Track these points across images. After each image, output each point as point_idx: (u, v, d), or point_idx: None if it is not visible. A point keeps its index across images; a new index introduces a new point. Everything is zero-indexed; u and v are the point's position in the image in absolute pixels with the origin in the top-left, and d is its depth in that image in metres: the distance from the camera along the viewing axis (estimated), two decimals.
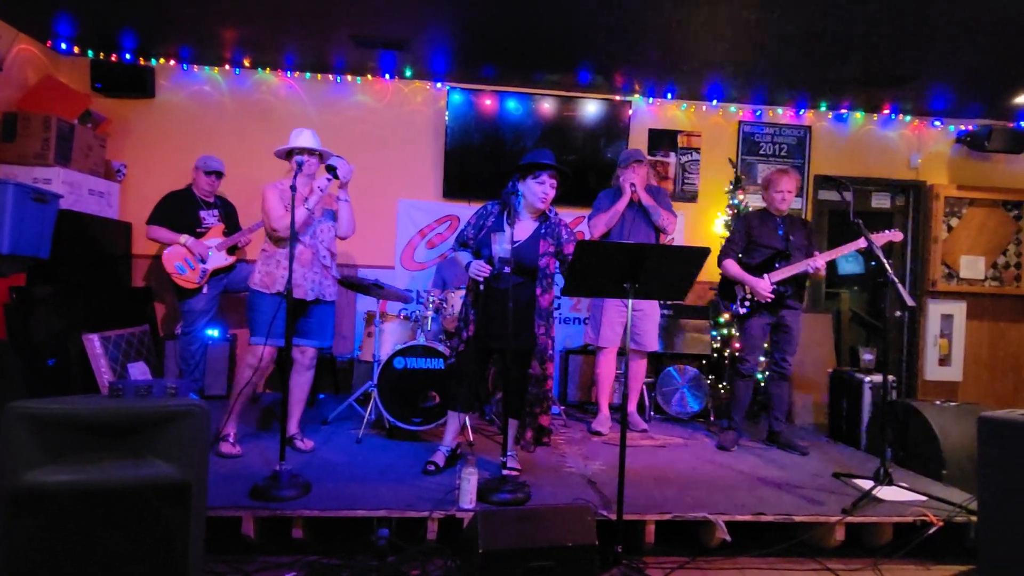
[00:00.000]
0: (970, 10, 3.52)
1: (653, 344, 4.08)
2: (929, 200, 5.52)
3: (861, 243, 3.42)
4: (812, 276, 3.69)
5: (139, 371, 4.13)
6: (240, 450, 3.19)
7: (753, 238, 3.77)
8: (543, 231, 2.95)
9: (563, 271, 2.93)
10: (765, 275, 3.66)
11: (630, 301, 2.56)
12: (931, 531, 2.60)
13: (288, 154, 3.22)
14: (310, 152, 3.18)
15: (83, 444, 1.75)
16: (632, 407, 4.15)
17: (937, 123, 5.52)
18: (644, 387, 4.43)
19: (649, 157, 5.26)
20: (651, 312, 4.06)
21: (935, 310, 5.50)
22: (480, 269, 2.88)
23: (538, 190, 2.87)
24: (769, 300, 3.63)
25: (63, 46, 4.65)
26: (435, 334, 3.89)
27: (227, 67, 4.98)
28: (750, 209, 4.93)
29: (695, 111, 5.39)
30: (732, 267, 3.75)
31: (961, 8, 3.50)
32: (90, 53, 4.76)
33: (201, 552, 1.88)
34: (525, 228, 2.95)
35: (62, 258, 3.89)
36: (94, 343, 3.86)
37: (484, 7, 3.80)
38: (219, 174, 4.27)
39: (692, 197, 5.38)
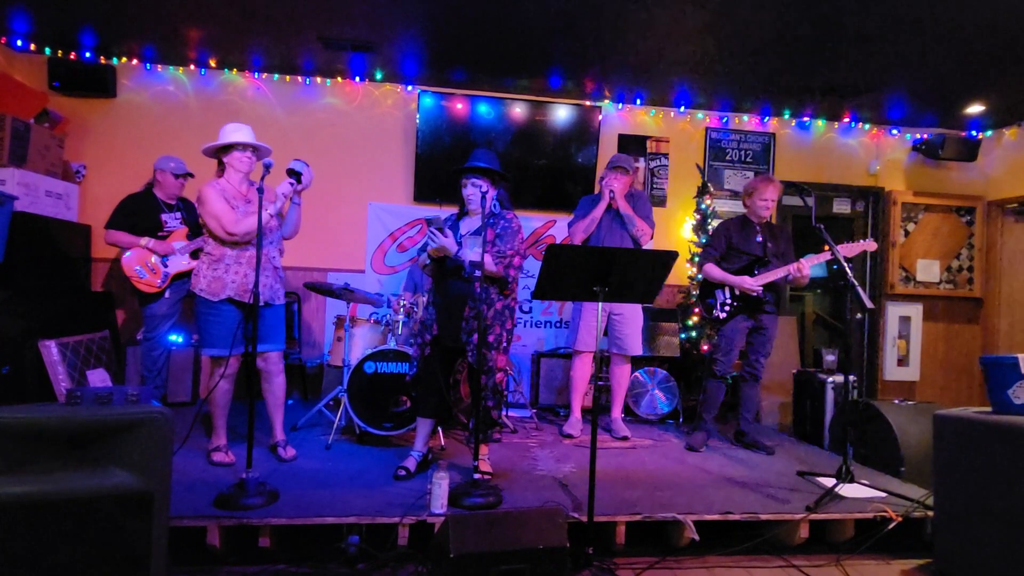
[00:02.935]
0: (927, 23, 3.65)
1: (637, 348, 4.01)
2: (887, 206, 5.71)
3: (841, 249, 3.41)
4: (793, 281, 3.64)
5: (99, 378, 4.01)
6: (233, 458, 3.13)
7: (732, 244, 3.80)
8: (490, 222, 2.96)
9: (498, 264, 2.89)
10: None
11: (599, 305, 2.59)
12: (891, 526, 2.68)
13: (219, 150, 3.06)
14: (253, 148, 3.07)
15: (39, 454, 1.69)
16: (616, 413, 4.13)
17: (894, 131, 5.71)
18: None
19: None
20: (633, 316, 4.00)
21: (893, 312, 5.68)
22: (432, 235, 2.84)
23: (463, 192, 2.99)
24: (758, 294, 3.65)
25: (19, 43, 4.50)
26: (406, 338, 3.86)
27: (192, 67, 4.89)
28: (715, 212, 5.04)
29: (663, 117, 5.47)
30: (714, 270, 3.78)
31: (917, 21, 3.63)
32: (47, 51, 4.62)
33: (164, 563, 1.83)
34: (471, 223, 3.02)
35: (17, 262, 3.75)
36: (51, 350, 3.73)
37: (454, 10, 3.80)
38: (189, 175, 4.18)
39: (661, 201, 5.47)
